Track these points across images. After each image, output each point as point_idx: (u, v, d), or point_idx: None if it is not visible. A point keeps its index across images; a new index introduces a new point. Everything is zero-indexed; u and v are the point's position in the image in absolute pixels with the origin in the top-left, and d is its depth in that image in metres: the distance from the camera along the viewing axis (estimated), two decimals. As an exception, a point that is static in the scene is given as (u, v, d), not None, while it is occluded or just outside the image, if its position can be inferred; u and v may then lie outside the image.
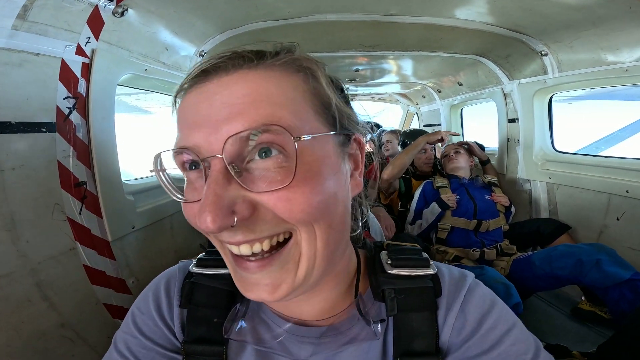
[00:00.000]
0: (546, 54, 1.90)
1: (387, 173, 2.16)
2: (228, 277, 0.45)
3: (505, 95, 2.40)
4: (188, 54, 1.79)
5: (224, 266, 0.46)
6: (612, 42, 1.59)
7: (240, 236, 0.34)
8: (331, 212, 0.36)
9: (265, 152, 0.33)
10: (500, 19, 1.77)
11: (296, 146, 0.32)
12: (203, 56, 1.90)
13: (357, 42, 2.13)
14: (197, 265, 0.49)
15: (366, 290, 0.48)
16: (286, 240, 0.36)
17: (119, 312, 1.29)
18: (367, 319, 0.43)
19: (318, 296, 0.45)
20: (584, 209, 1.97)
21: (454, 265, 1.79)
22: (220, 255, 0.47)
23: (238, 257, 0.36)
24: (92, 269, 1.16)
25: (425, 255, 0.49)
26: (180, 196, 0.37)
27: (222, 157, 0.32)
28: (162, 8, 1.35)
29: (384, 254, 0.49)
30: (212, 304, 0.47)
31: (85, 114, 1.12)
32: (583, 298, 1.74)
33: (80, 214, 1.10)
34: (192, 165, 0.36)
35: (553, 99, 2.17)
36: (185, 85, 0.37)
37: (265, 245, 0.35)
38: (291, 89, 0.35)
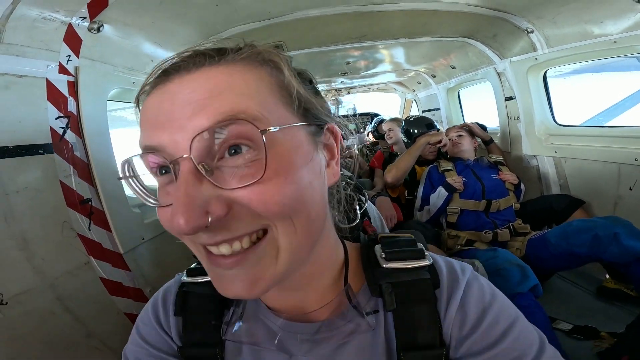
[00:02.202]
0: (532, 31, 1.89)
1: (390, 176, 2.16)
2: None
3: (499, 74, 2.38)
4: (174, 63, 1.82)
5: None
6: (594, 15, 1.57)
7: (219, 237, 0.33)
8: (308, 202, 0.35)
9: (235, 149, 0.32)
10: (482, -1, 1.76)
11: (264, 139, 0.31)
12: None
13: (343, 35, 2.13)
14: (188, 275, 0.51)
15: (361, 286, 0.47)
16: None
17: None
18: (359, 310, 0.43)
19: (307, 286, 0.45)
20: (595, 180, 1.92)
21: (467, 249, 1.79)
22: None
23: (212, 255, 0.35)
24: (109, 280, 1.21)
25: (420, 245, 0.48)
26: (152, 201, 0.36)
27: (191, 157, 0.31)
28: (139, 20, 1.36)
29: (377, 248, 0.48)
30: (205, 310, 0.48)
31: (79, 132, 1.15)
32: (607, 276, 1.68)
33: (89, 229, 1.14)
34: (161, 170, 0.35)
35: (548, 74, 2.14)
36: (147, 88, 0.37)
37: (245, 243, 0.34)
38: (256, 80, 0.35)
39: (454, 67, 2.88)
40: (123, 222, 1.31)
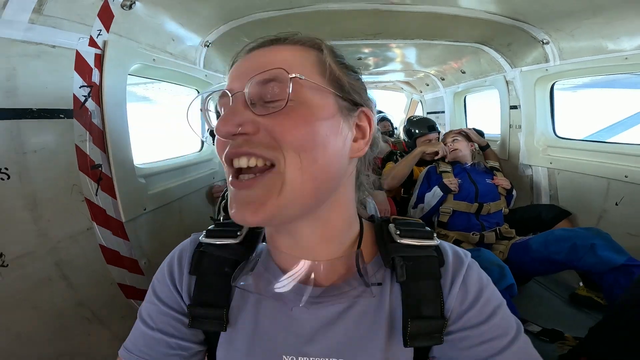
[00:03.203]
0: (547, 43, 1.92)
1: (386, 183, 2.23)
2: (235, 247, 0.52)
3: (507, 82, 2.41)
4: (194, 44, 1.84)
5: (231, 237, 0.53)
6: (613, 30, 1.60)
7: (243, 148, 0.41)
8: (318, 148, 0.41)
9: (268, 82, 0.42)
10: (502, 7, 1.78)
11: (290, 81, 0.40)
12: (208, 46, 1.94)
13: (359, 31, 2.15)
14: (206, 236, 0.54)
15: (373, 259, 0.52)
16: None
17: (132, 292, 1.35)
18: (365, 279, 0.46)
19: (318, 247, 0.49)
20: (584, 193, 1.99)
21: None
22: (228, 227, 0.54)
23: (235, 181, 0.43)
24: (108, 248, 1.23)
25: (428, 229, 0.54)
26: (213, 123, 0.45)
27: (244, 92, 0.42)
28: (167, 0, 1.40)
29: (391, 226, 0.53)
30: (219, 272, 0.51)
31: (99, 101, 1.18)
32: (581, 284, 1.77)
33: (96, 195, 1.17)
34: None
35: (555, 86, 2.18)
36: (236, 57, 0.50)
37: (260, 162, 0.42)
38: (302, 56, 0.45)
39: (464, 72, 2.91)
40: (128, 191, 1.33)
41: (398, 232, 0.51)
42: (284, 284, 0.48)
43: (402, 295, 0.48)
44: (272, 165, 0.41)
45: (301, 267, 0.48)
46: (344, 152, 0.46)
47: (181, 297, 0.52)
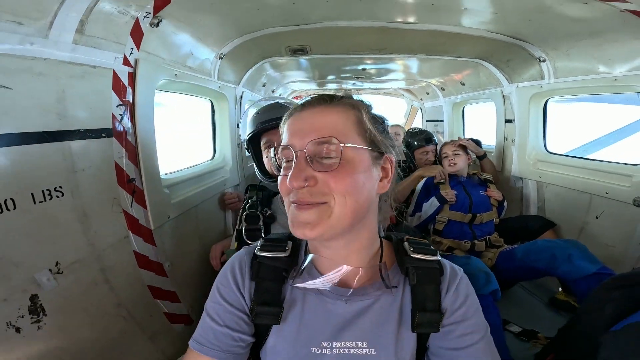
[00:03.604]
0: (544, 60, 2.04)
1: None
2: (284, 259, 0.67)
3: (504, 97, 2.54)
4: (209, 57, 1.92)
5: (281, 251, 0.68)
6: (605, 52, 1.73)
7: (306, 198, 0.56)
8: (358, 192, 0.58)
9: (324, 146, 0.57)
10: (502, 27, 1.89)
11: (342, 147, 0.56)
12: (222, 58, 2.03)
13: (365, 46, 2.27)
14: (261, 250, 0.68)
15: (391, 266, 0.68)
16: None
17: (159, 293, 1.46)
18: (385, 282, 0.63)
19: (350, 257, 0.64)
20: (568, 207, 2.17)
21: (447, 254, 2.02)
22: (276, 242, 0.70)
23: (298, 205, 0.58)
24: (140, 254, 1.34)
25: (433, 247, 0.70)
26: (281, 173, 0.61)
27: (305, 151, 0.57)
28: (189, 17, 1.48)
29: (406, 244, 0.69)
30: (273, 279, 0.66)
31: (132, 119, 1.27)
32: (560, 289, 1.95)
33: (131, 206, 1.27)
34: (288, 161, 0.60)
35: (551, 99, 2.31)
36: (292, 112, 0.64)
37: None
38: (345, 119, 0.60)
39: (463, 84, 3.03)
40: (156, 201, 1.43)
41: (412, 249, 0.67)
42: (321, 281, 0.64)
43: (411, 294, 0.65)
44: (325, 202, 0.57)
45: (337, 270, 0.64)
46: (373, 191, 0.62)
47: (244, 298, 0.66)
